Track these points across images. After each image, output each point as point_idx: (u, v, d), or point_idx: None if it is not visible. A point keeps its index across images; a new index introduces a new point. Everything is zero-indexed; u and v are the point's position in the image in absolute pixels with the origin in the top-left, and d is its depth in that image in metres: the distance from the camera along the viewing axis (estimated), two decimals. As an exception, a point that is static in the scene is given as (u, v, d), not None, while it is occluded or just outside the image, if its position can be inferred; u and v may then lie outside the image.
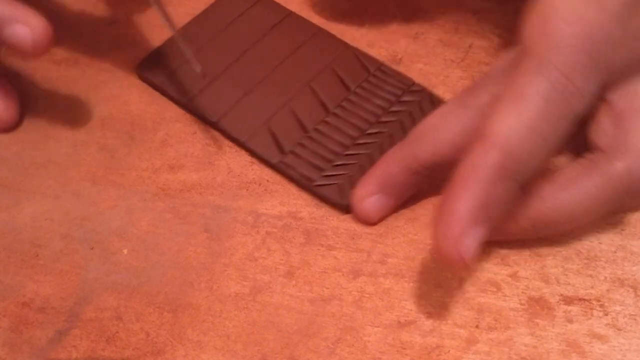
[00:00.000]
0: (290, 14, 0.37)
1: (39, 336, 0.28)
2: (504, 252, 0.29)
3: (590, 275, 0.28)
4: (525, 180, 0.25)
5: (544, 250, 0.28)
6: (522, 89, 0.24)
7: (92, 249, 0.30)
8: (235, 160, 0.33)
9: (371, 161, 0.31)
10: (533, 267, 0.28)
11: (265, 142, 0.32)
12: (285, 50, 0.35)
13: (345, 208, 0.30)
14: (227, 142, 0.33)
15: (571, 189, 0.26)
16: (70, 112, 0.35)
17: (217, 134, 0.33)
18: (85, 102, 0.35)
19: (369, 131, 0.32)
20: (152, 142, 0.33)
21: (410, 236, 0.29)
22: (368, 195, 0.29)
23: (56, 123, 0.35)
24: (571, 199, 0.26)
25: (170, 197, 0.31)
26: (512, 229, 0.27)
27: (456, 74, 0.34)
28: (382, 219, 0.30)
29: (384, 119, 0.32)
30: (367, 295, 0.28)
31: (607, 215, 0.28)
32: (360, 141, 0.32)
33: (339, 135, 0.32)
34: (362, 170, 0.31)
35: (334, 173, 0.31)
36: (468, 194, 0.24)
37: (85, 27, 0.38)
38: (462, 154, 0.26)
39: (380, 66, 0.34)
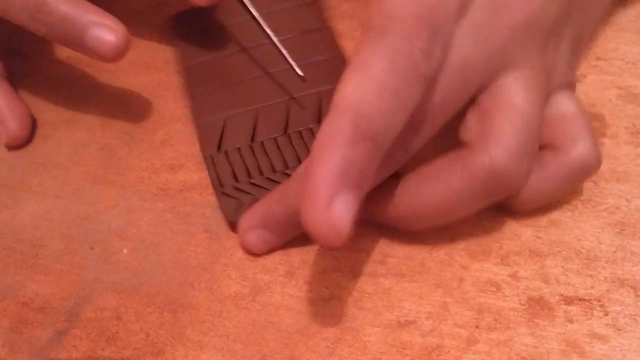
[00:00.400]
0: (325, 27, 0.36)
1: (39, 336, 0.28)
2: (503, 252, 0.29)
3: (590, 276, 0.28)
4: (387, 141, 0.24)
5: (544, 250, 0.28)
6: (365, 57, 0.24)
7: (92, 249, 0.30)
8: (235, 160, 0.32)
9: None
10: (533, 267, 0.28)
11: (211, 132, 0.32)
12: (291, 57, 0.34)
13: (232, 225, 0.30)
14: (227, 142, 0.33)
15: (434, 181, 0.26)
16: (70, 112, 0.35)
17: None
18: (85, 102, 0.35)
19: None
20: (152, 142, 0.33)
21: (410, 236, 0.29)
22: (250, 228, 0.29)
23: (56, 123, 0.35)
24: (434, 191, 0.26)
25: (170, 197, 0.31)
26: (390, 215, 0.27)
27: (456, 74, 0.34)
28: (268, 253, 0.30)
29: None
30: (367, 295, 0.28)
31: (479, 210, 0.27)
32: (291, 174, 0.30)
33: (276, 158, 0.31)
34: None
35: (243, 189, 0.30)
36: (327, 161, 0.23)
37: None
38: None
39: None
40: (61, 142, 0.34)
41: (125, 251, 0.30)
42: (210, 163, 0.31)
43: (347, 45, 0.35)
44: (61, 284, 0.29)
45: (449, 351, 0.26)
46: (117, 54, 0.31)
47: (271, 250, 0.30)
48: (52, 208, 0.32)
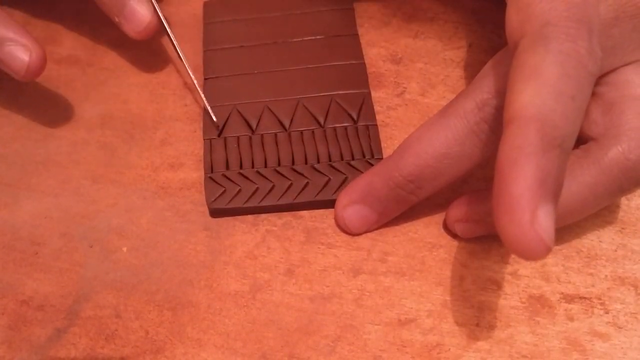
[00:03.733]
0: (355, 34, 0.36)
1: (38, 334, 0.28)
2: (504, 250, 0.29)
3: (591, 274, 0.28)
4: (571, 146, 0.24)
5: (545, 249, 0.28)
6: (531, 65, 0.23)
7: (91, 247, 0.30)
8: (235, 159, 0.32)
9: (273, 193, 0.30)
10: (534, 266, 0.28)
11: (217, 117, 0.32)
12: (309, 57, 0.35)
13: (212, 212, 0.30)
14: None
15: (566, 182, 0.26)
16: (70, 110, 0.35)
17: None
18: (85, 101, 0.35)
19: (299, 167, 0.31)
20: (152, 140, 0.33)
21: (410, 234, 0.29)
22: (349, 203, 0.29)
23: (56, 121, 0.35)
24: (566, 190, 0.25)
25: (170, 196, 0.31)
26: None
27: (456, 73, 0.35)
28: (365, 232, 0.29)
29: (326, 165, 0.31)
30: (367, 294, 0.28)
31: (610, 203, 0.27)
32: (281, 171, 0.31)
33: (271, 153, 0.31)
34: (257, 194, 0.30)
35: (231, 178, 0.31)
36: (523, 174, 0.22)
37: (85, 27, 0.38)
38: (447, 164, 0.26)
39: (373, 126, 0.32)
40: (61, 141, 0.34)
41: (124, 249, 0.30)
42: (208, 147, 0.32)
43: (370, 51, 0.36)
44: (60, 282, 0.29)
45: (450, 349, 0.26)
46: (29, 73, 0.31)
47: (368, 230, 0.29)
48: (52, 206, 0.32)
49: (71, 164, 0.33)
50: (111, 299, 0.29)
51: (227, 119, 0.33)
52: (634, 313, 0.27)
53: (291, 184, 0.30)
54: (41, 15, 0.39)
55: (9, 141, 0.34)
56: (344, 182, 0.30)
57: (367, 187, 0.29)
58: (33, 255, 0.30)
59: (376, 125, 0.32)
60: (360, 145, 0.31)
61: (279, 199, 0.30)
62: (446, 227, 0.29)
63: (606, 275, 0.28)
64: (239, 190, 0.30)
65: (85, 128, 0.34)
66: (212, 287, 0.29)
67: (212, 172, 0.31)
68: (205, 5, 0.38)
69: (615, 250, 0.28)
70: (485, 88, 0.26)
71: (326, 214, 0.30)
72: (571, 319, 0.27)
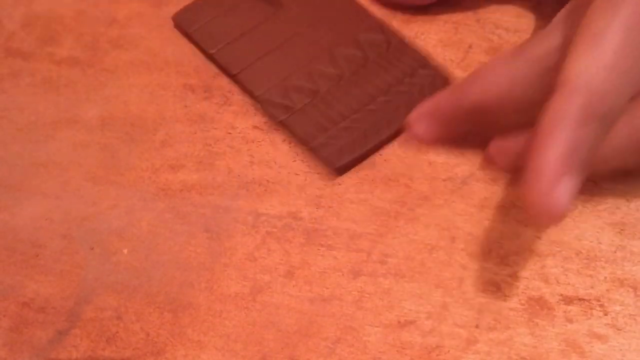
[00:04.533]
0: None
1: (39, 336, 0.28)
2: (503, 252, 0.29)
3: (590, 275, 0.28)
4: (612, 120, 0.24)
5: (544, 250, 0.28)
6: (595, 30, 0.23)
7: (92, 249, 0.30)
8: (235, 160, 0.33)
9: (376, 129, 0.32)
10: (533, 267, 0.28)
11: (276, 100, 0.33)
12: (311, 15, 0.36)
13: (338, 170, 0.31)
14: (226, 142, 0.33)
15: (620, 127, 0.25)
16: (70, 112, 0.35)
17: (217, 133, 0.33)
18: (85, 102, 0.35)
19: (379, 99, 0.33)
20: (152, 142, 0.33)
21: (410, 236, 0.29)
22: (419, 119, 0.30)
23: (56, 123, 0.35)
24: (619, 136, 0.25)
25: (170, 197, 0.32)
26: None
27: (456, 73, 0.34)
28: (430, 143, 0.31)
29: (395, 89, 0.33)
30: (367, 295, 0.28)
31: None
32: (370, 107, 0.32)
33: (350, 100, 0.33)
34: (366, 136, 0.32)
35: (337, 134, 0.32)
36: (557, 141, 0.23)
37: (85, 27, 0.38)
38: (508, 104, 0.27)
39: (400, 40, 0.35)
40: (61, 143, 0.34)
41: (125, 251, 0.30)
42: (290, 124, 0.33)
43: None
44: (61, 284, 0.29)
45: (449, 351, 0.26)
46: None
47: (437, 142, 0.30)
48: (52, 208, 0.32)
49: (71, 166, 0.33)
50: (112, 301, 0.29)
51: (286, 96, 0.33)
52: (633, 315, 0.27)
53: (389, 112, 0.32)
54: (42, 16, 0.39)
55: (9, 143, 0.34)
56: (411, 101, 0.32)
57: (436, 107, 0.30)
58: (34, 257, 0.30)
59: (403, 39, 0.34)
60: (402, 63, 0.34)
61: (380, 135, 0.32)
62: (446, 229, 0.29)
63: (605, 277, 0.28)
64: (353, 141, 0.31)
65: (86, 129, 0.34)
66: (212, 289, 0.29)
67: (313, 140, 0.32)
68: (176, 17, 0.37)
69: (615, 252, 0.28)
70: (554, 37, 0.26)
71: (326, 216, 0.30)
72: (570, 321, 0.27)
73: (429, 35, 0.36)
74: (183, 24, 0.37)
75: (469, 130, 0.30)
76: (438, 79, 0.33)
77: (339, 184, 0.31)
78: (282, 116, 0.33)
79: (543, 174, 0.23)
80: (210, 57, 0.36)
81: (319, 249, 0.29)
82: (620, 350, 0.26)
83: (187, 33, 0.37)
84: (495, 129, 0.28)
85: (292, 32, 0.36)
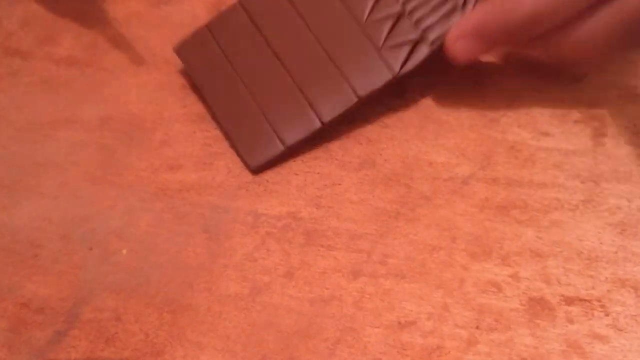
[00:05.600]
0: None
1: (38, 337, 0.28)
2: (504, 252, 0.29)
3: (591, 276, 0.28)
4: None
5: (545, 251, 0.28)
6: None
7: (91, 249, 0.30)
8: (235, 160, 0.32)
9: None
10: (534, 268, 0.28)
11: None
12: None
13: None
14: (226, 142, 0.33)
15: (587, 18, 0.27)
16: (69, 112, 0.35)
17: (217, 133, 0.33)
18: (84, 102, 0.35)
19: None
20: (151, 142, 0.33)
21: (410, 237, 0.29)
22: (461, 36, 0.30)
23: (55, 123, 0.35)
24: (586, 27, 0.28)
25: (169, 197, 0.31)
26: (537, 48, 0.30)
27: (456, 73, 0.34)
28: (471, 61, 0.31)
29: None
30: (368, 296, 0.28)
31: (619, 54, 0.29)
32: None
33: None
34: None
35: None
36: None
37: (85, 28, 0.38)
38: (560, 17, 0.28)
39: None
40: (60, 142, 0.34)
41: (124, 252, 0.30)
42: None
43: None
44: (60, 284, 0.29)
45: (450, 352, 0.26)
46: None
47: (474, 60, 0.31)
48: (51, 208, 0.31)
49: (70, 166, 0.33)
50: (111, 302, 0.28)
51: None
52: (634, 315, 0.27)
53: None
54: (41, 15, 0.39)
55: (7, 143, 0.34)
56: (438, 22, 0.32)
57: (480, 23, 0.30)
58: (32, 258, 0.30)
59: None
60: None
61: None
62: (446, 229, 0.29)
63: (606, 278, 0.28)
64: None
65: (84, 129, 0.34)
66: (211, 290, 0.29)
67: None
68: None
69: (616, 252, 0.28)
70: None
71: (326, 216, 0.30)
72: (571, 322, 0.27)
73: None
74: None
75: (507, 44, 0.31)
76: None
77: (339, 184, 0.31)
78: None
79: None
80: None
81: (318, 250, 0.29)
82: (622, 351, 0.26)
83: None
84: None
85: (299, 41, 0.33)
